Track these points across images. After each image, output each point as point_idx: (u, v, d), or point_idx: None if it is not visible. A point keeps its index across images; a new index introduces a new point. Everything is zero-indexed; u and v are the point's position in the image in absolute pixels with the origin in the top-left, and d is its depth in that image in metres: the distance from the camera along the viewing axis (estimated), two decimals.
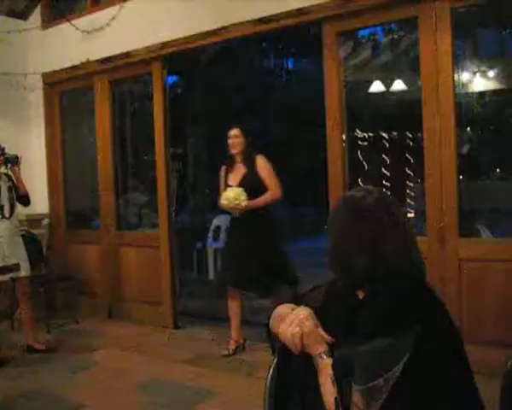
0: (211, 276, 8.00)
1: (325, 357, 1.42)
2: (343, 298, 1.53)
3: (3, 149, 4.73)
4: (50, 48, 6.20)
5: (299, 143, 13.97)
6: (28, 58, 6.33)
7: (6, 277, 4.73)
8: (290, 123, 13.99)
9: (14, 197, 4.78)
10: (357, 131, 8.51)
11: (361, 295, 1.50)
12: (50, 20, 6.29)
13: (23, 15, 6.33)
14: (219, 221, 8.31)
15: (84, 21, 5.82)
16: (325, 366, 1.40)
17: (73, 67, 5.96)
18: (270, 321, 1.65)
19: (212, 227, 8.10)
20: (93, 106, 6.04)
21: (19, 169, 4.85)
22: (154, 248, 5.53)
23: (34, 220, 6.18)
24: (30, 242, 5.93)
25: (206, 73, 11.88)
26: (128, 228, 6.21)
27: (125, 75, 5.83)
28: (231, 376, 4.24)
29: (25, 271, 4.82)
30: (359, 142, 8.66)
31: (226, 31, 4.84)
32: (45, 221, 6.36)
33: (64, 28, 6.01)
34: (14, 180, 4.86)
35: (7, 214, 4.67)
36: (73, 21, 5.88)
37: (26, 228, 5.98)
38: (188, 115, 9.73)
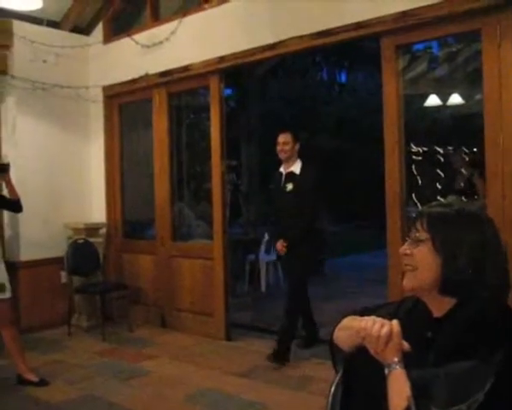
0: (263, 288, 8.01)
1: (398, 367, 1.38)
2: (418, 316, 1.50)
3: None
4: (111, 62, 6.37)
5: (351, 156, 13.89)
6: (90, 72, 6.53)
7: None
8: (343, 136, 13.92)
9: None
10: (412, 145, 8.38)
11: (436, 312, 1.47)
12: (111, 35, 6.46)
13: (86, 31, 6.55)
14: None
15: (143, 36, 5.96)
16: (397, 376, 1.37)
17: (133, 81, 6.10)
18: (335, 333, 1.63)
19: (265, 239, 8.12)
20: (151, 118, 6.16)
21: (8, 176, 4.56)
22: (209, 260, 5.57)
23: (92, 229, 6.32)
24: (87, 250, 6.12)
25: (260, 86, 11.97)
26: (180, 239, 6.26)
27: (183, 88, 5.93)
28: (283, 390, 4.21)
29: (8, 292, 4.35)
30: (413, 156, 8.54)
31: (283, 45, 4.85)
32: (102, 230, 6.49)
33: (124, 43, 6.17)
34: (5, 189, 4.68)
35: None
36: (134, 36, 6.03)
37: (84, 236, 6.16)
38: (242, 128, 9.82)
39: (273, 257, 8.34)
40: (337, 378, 1.66)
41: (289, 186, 4.91)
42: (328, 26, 4.56)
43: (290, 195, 4.88)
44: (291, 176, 4.93)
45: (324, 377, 4.28)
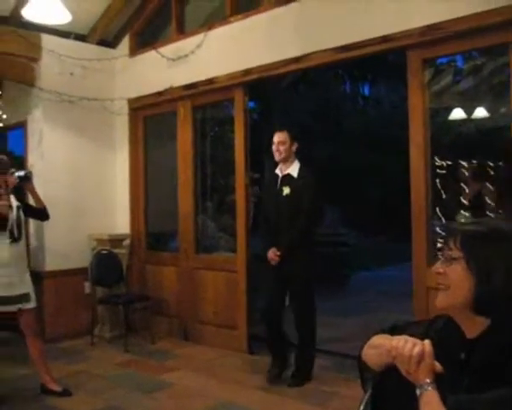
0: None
1: (430, 389, 1.35)
2: (451, 336, 1.47)
3: (13, 172, 4.37)
4: (136, 74, 6.44)
5: (372, 170, 13.83)
6: (115, 84, 6.61)
7: (12, 308, 4.25)
8: (365, 149, 13.86)
9: (21, 218, 4.39)
10: (436, 159, 8.30)
11: (469, 333, 1.44)
12: (137, 48, 6.53)
13: (112, 44, 6.64)
14: None
15: (169, 49, 6.02)
16: (430, 398, 1.34)
17: (158, 93, 6.16)
18: (364, 350, 1.60)
19: None
20: (175, 130, 6.20)
21: (31, 185, 4.54)
22: (232, 273, 5.56)
23: (116, 240, 6.37)
24: (111, 261, 6.16)
25: (283, 98, 11.99)
26: (203, 251, 6.25)
27: (208, 101, 5.95)
28: (303, 405, 4.18)
29: (33, 302, 4.38)
30: (437, 170, 8.45)
31: (308, 58, 4.86)
32: (126, 241, 6.53)
33: (150, 56, 6.24)
34: (31, 198, 4.64)
35: (16, 236, 4.24)
36: (159, 49, 6.09)
37: (108, 247, 6.20)
38: (264, 140, 9.81)
39: None
40: (366, 397, 1.63)
41: (286, 190, 4.49)
42: (353, 40, 4.56)
43: (287, 199, 4.48)
44: (288, 179, 4.53)
45: (347, 393, 4.25)
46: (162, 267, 6.31)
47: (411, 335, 1.46)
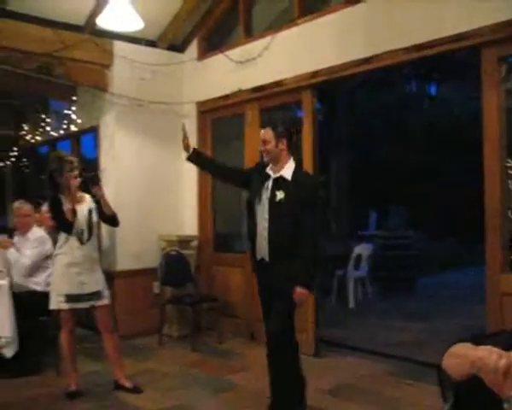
0: (351, 304, 7.89)
1: None
2: None
3: (83, 170, 4.39)
4: (204, 78, 6.54)
5: (439, 170, 13.49)
6: (184, 88, 6.73)
7: (84, 305, 4.40)
8: (432, 149, 13.54)
9: (93, 220, 4.46)
10: (508, 160, 7.99)
11: None
12: (205, 51, 6.63)
13: (181, 48, 6.77)
14: (361, 250, 8.21)
15: (236, 52, 6.08)
16: None
17: (226, 96, 6.23)
18: (445, 359, 1.56)
19: (354, 255, 8.01)
20: (242, 133, 6.25)
21: (100, 188, 4.43)
22: None
23: (184, 241, 6.48)
24: (180, 262, 6.27)
25: (349, 99, 11.86)
26: None
27: (275, 103, 5.95)
28: None
29: (107, 299, 4.52)
30: (509, 171, 8.13)
31: (378, 58, 4.78)
32: (194, 243, 6.63)
33: (218, 59, 6.32)
34: (102, 201, 4.52)
35: (84, 240, 4.36)
36: (227, 53, 6.16)
37: (176, 248, 6.32)
38: (330, 141, 9.73)
39: (362, 273, 8.23)
40: (447, 408, 1.59)
41: (280, 195, 3.77)
42: (424, 39, 4.46)
43: (281, 206, 3.77)
44: (281, 182, 3.82)
45: (413, 400, 4.17)
46: (229, 268, 6.37)
47: (494, 345, 1.41)
